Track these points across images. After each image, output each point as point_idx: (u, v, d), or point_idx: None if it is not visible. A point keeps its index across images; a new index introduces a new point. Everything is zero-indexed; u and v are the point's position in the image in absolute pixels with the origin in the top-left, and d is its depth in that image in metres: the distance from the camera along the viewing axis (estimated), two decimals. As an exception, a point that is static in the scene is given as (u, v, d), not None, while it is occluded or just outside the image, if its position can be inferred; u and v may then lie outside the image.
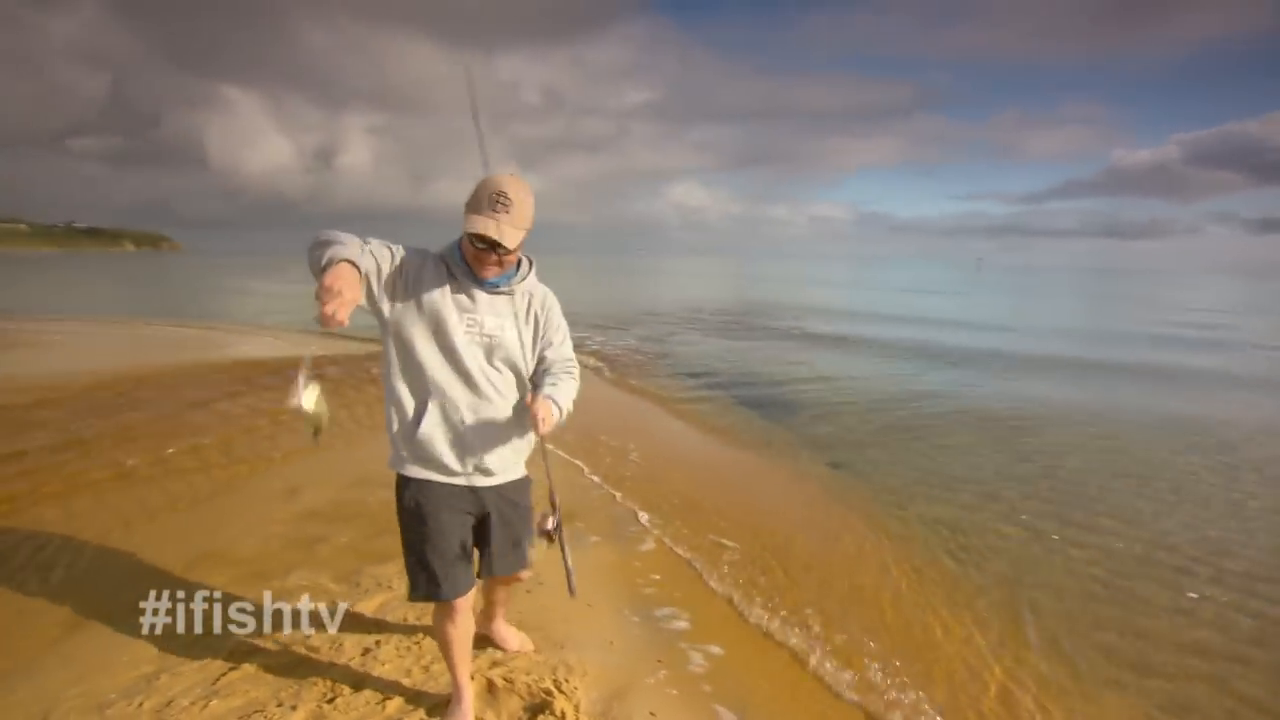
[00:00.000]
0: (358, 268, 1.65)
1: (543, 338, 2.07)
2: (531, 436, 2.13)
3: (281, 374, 8.84)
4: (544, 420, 1.88)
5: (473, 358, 1.94)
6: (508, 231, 1.79)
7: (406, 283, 1.90)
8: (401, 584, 3.26)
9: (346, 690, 2.46)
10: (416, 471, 2.00)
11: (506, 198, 1.79)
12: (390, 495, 4.42)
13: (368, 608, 3.03)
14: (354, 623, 2.93)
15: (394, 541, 3.84)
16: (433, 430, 1.95)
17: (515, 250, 1.86)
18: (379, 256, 1.82)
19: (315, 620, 2.94)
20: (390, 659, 2.67)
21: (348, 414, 6.86)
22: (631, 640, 3.01)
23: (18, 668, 2.61)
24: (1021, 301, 33.82)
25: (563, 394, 2.01)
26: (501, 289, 1.96)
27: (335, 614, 2.97)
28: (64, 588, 3.23)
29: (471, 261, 1.91)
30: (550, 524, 2.17)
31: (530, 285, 2.04)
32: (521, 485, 2.18)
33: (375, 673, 2.58)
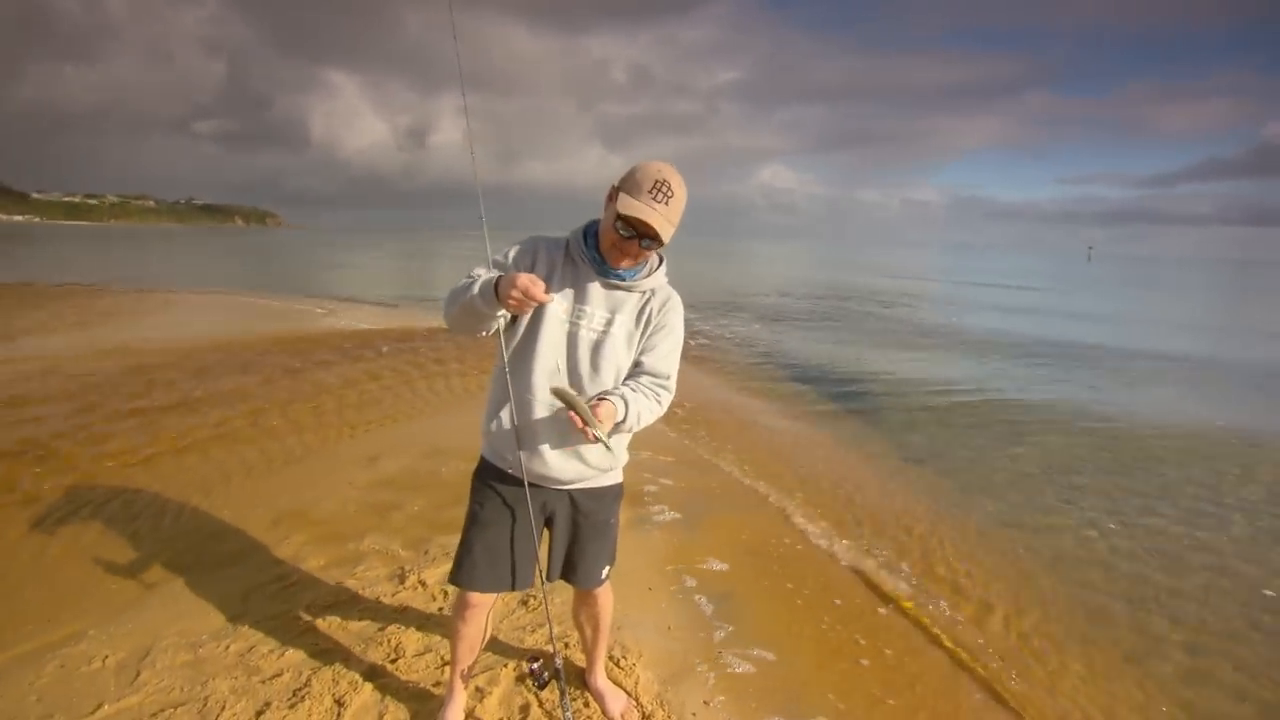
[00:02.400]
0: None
1: (648, 338, 1.84)
2: (622, 446, 1.94)
3: (371, 345, 9.31)
4: (599, 421, 1.64)
5: (568, 352, 1.79)
6: (664, 224, 1.65)
7: (530, 267, 1.79)
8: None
9: (409, 652, 2.57)
10: (490, 456, 1.93)
11: (669, 188, 1.64)
12: (463, 466, 4.71)
13: (432, 576, 3.15)
14: (420, 589, 3.05)
15: (462, 512, 4.05)
16: (511, 422, 1.82)
17: (659, 245, 1.72)
18: (502, 267, 1.80)
19: (386, 583, 3.10)
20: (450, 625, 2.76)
21: (426, 385, 7.14)
22: (690, 627, 2.99)
23: (129, 603, 2.87)
24: (1129, 300, 31.08)
25: (635, 404, 1.75)
26: (622, 284, 1.80)
27: (405, 579, 3.12)
28: (171, 535, 3.53)
29: (609, 249, 1.74)
30: (534, 667, 2.00)
31: (655, 283, 1.84)
32: (601, 495, 1.97)
33: (436, 636, 2.68)
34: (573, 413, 1.64)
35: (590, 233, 1.82)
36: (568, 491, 1.93)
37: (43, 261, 30.26)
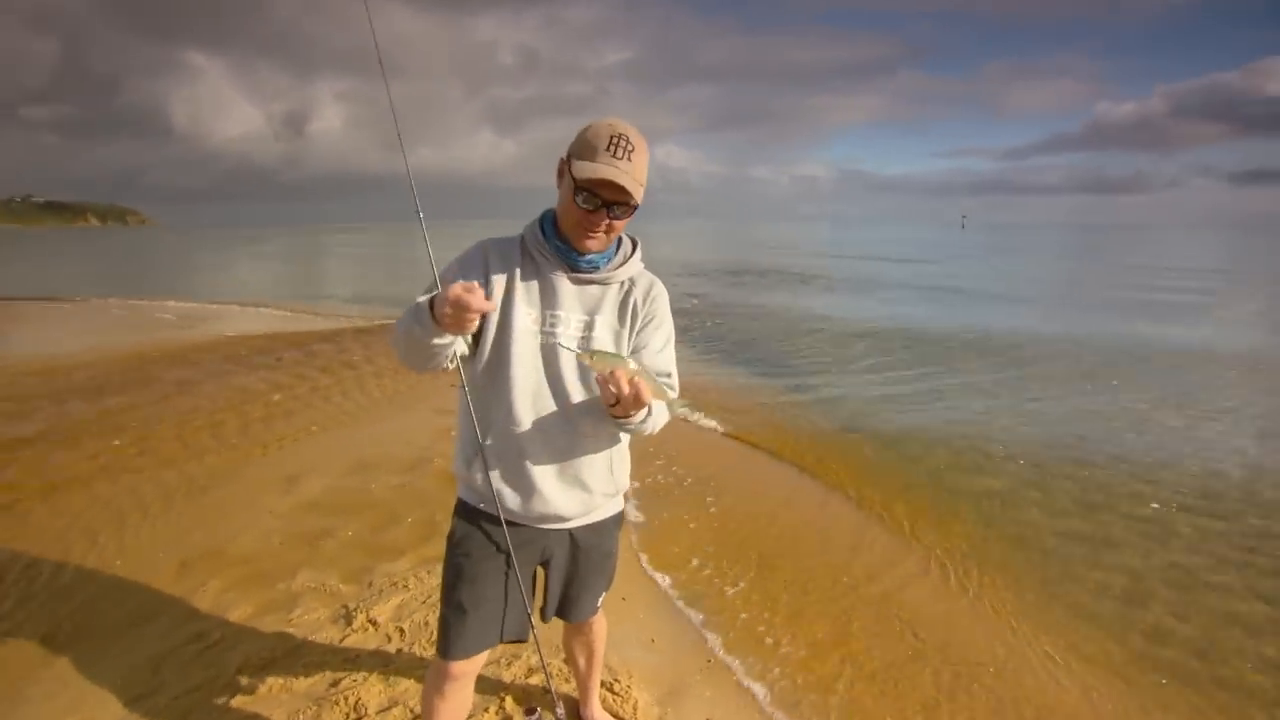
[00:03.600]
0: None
1: (637, 335, 1.59)
2: (625, 466, 1.69)
3: (268, 351, 8.49)
4: (631, 394, 1.35)
5: (547, 367, 1.53)
6: (632, 183, 1.41)
7: (481, 280, 1.51)
8: (417, 583, 3.06)
9: (372, 708, 2.24)
10: (469, 498, 1.63)
11: (628, 141, 1.41)
12: (393, 481, 4.31)
13: (383, 612, 2.79)
14: (371, 629, 2.69)
15: (403, 534, 3.70)
16: (495, 460, 1.56)
17: (632, 211, 1.49)
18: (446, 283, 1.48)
19: (330, 627, 2.72)
20: (414, 669, 2.44)
21: (340, 391, 6.57)
22: (675, 636, 2.81)
23: (4, 694, 2.35)
24: (1018, 269, 33.53)
25: (658, 412, 1.53)
26: (595, 276, 1.54)
27: (351, 619, 2.76)
28: (51, 599, 2.97)
29: (573, 228, 1.49)
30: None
31: (632, 270, 1.59)
32: (603, 527, 1.71)
33: (402, 683, 2.35)
34: (619, 373, 1.34)
35: (547, 221, 1.56)
36: (568, 530, 1.66)
37: None
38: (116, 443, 4.99)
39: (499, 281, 1.52)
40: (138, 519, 3.75)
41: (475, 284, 1.32)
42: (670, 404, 1.52)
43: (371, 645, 2.60)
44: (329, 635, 2.66)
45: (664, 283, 1.65)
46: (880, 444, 5.45)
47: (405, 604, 2.86)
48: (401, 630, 2.68)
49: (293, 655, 2.53)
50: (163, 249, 50.59)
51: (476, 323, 1.36)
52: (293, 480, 4.30)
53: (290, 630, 2.69)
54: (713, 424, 5.92)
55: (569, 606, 1.76)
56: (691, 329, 11.15)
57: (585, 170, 1.40)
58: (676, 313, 1.70)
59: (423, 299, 1.41)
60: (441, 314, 1.31)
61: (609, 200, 1.43)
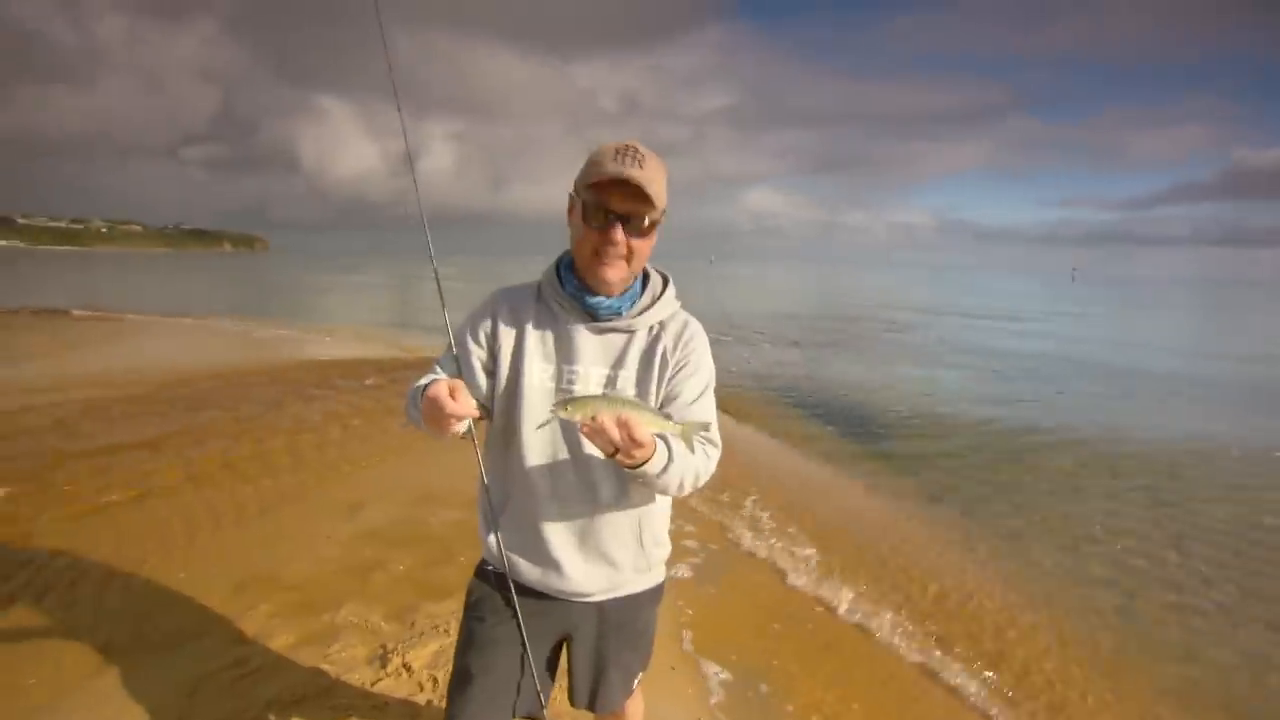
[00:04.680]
0: (443, 380, 1.29)
1: (668, 384, 1.39)
2: (660, 537, 1.51)
3: (355, 374, 8.84)
4: (624, 435, 1.15)
5: (565, 430, 1.38)
6: (648, 181, 1.25)
7: (485, 340, 1.42)
8: (458, 628, 2.94)
9: (391, 765, 2.11)
10: (488, 556, 1.51)
11: (637, 151, 1.27)
12: (454, 516, 4.26)
13: (419, 658, 2.68)
14: (404, 675, 2.59)
15: (454, 573, 3.61)
16: (505, 526, 1.43)
17: (654, 226, 1.32)
18: (457, 352, 1.43)
19: (365, 667, 2.64)
20: (442, 725, 2.30)
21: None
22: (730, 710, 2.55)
23: (47, 704, 2.39)
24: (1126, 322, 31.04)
25: (681, 453, 1.29)
26: (618, 324, 1.38)
27: (387, 661, 2.67)
28: (117, 607, 3.03)
29: (588, 261, 1.33)
30: None
31: (663, 314, 1.41)
32: (638, 601, 1.52)
33: (424, 743, 2.22)
34: (602, 417, 1.15)
35: (564, 265, 1.42)
36: (595, 603, 1.48)
37: (26, 284, 29.56)
38: (201, 455, 5.24)
39: (508, 335, 1.40)
40: (208, 534, 3.86)
41: (459, 385, 1.23)
42: (686, 433, 1.29)
43: (402, 693, 2.49)
44: (362, 676, 2.57)
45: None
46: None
47: (443, 651, 2.75)
48: (435, 680, 2.56)
49: (323, 695, 2.45)
50: (279, 273, 54.91)
51: (463, 426, 1.26)
52: (356, 507, 4.33)
53: (326, 667, 2.62)
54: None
55: (599, 690, 1.56)
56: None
57: (591, 176, 1.27)
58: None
59: (424, 380, 1.34)
60: (425, 410, 1.24)
61: (623, 212, 1.28)
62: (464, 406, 1.22)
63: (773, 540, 4.37)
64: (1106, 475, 6.52)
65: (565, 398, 1.27)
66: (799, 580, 3.89)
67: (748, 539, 4.40)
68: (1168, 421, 9.14)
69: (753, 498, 5.07)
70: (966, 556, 4.51)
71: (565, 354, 1.38)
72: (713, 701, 2.72)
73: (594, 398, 1.23)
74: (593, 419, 1.16)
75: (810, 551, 4.24)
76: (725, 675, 2.89)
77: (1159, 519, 5.35)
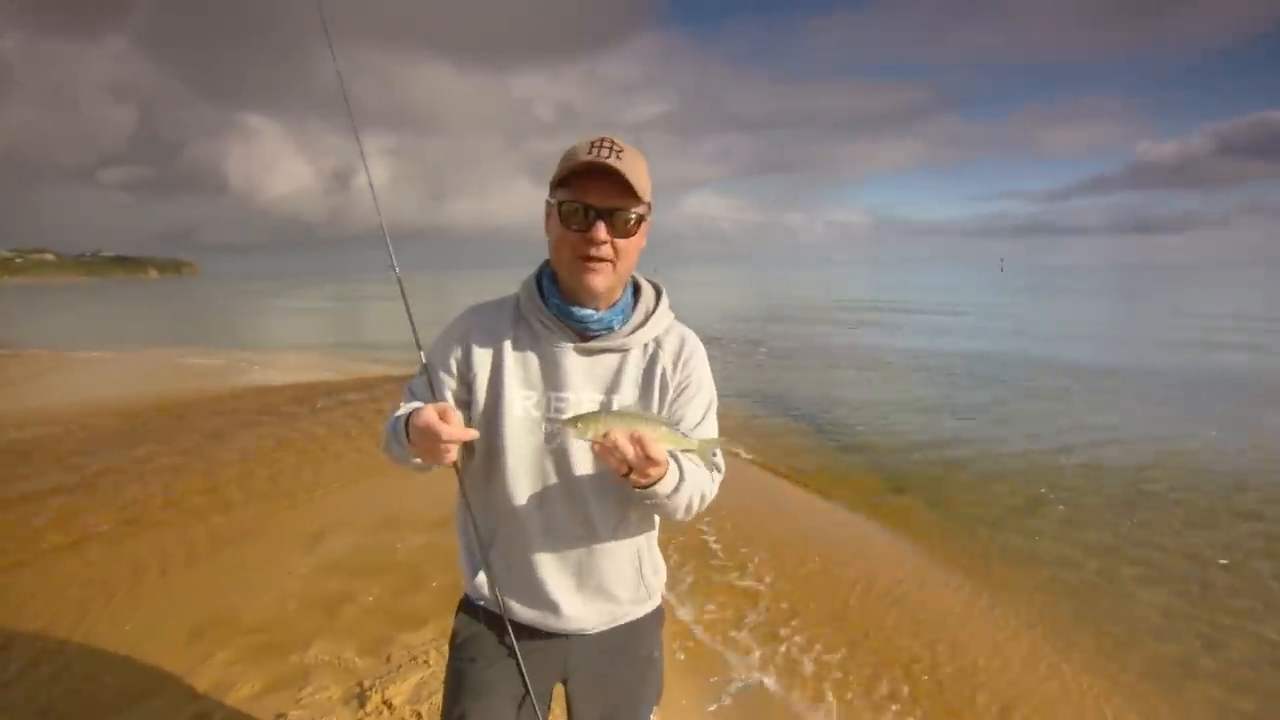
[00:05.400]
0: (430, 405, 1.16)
1: (669, 408, 1.28)
2: (657, 566, 1.41)
3: (304, 400, 8.46)
4: (638, 454, 1.07)
5: (556, 464, 1.26)
6: (629, 169, 1.15)
7: (456, 367, 1.29)
8: (439, 658, 2.79)
9: (379, 814, 1.97)
10: (473, 593, 1.36)
11: (613, 142, 1.16)
12: (419, 541, 4.08)
13: (399, 693, 2.53)
14: (385, 712, 2.44)
15: (426, 601, 3.43)
16: (495, 567, 1.30)
17: (640, 223, 1.21)
18: (433, 375, 1.30)
19: (342, 708, 2.47)
20: (431, 765, 2.16)
21: (371, 442, 6.43)
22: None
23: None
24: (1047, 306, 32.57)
25: (692, 470, 1.21)
26: (610, 343, 1.26)
27: (365, 700, 2.51)
28: (52, 670, 2.76)
29: (569, 267, 1.21)
30: None
31: (658, 329, 1.30)
32: (639, 628, 1.39)
33: (414, 786, 2.08)
34: (615, 434, 1.07)
35: (545, 276, 1.30)
36: (595, 635, 1.36)
37: (-77, 326, 27.44)
38: (144, 493, 4.89)
39: (484, 361, 1.26)
40: (154, 578, 3.59)
41: (448, 407, 1.11)
42: (703, 449, 1.22)
43: (385, 734, 2.34)
44: (340, 718, 2.41)
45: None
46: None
47: (424, 683, 2.60)
48: (419, 715, 2.42)
49: (299, 745, 2.28)
50: (209, 299, 52.58)
51: (455, 453, 1.13)
52: (316, 537, 4.11)
53: (298, 712, 2.45)
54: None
55: None
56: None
57: (564, 170, 1.17)
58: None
59: (403, 410, 1.21)
60: (415, 439, 1.12)
61: (603, 208, 1.16)
62: (461, 430, 1.10)
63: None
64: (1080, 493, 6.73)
65: (574, 415, 1.16)
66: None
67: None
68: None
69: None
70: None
71: (551, 380, 1.26)
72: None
73: (606, 414, 1.14)
74: (605, 436, 1.08)
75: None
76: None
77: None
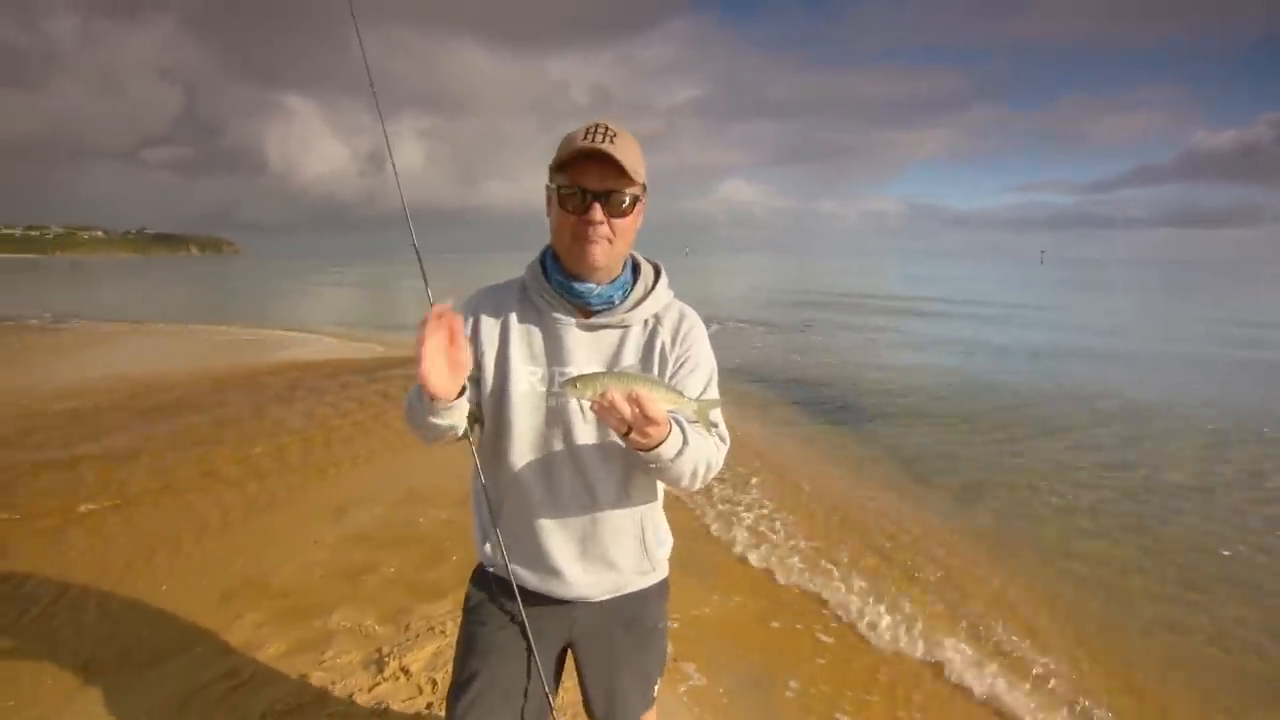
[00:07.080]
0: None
1: (669, 379, 1.33)
2: (662, 536, 1.46)
3: (336, 376, 8.68)
4: (636, 413, 1.11)
5: (561, 435, 1.32)
6: (622, 153, 1.21)
7: (470, 340, 1.33)
8: (455, 628, 2.88)
9: (393, 771, 2.07)
10: (485, 560, 1.44)
11: (606, 127, 1.23)
12: (442, 516, 4.20)
13: (416, 660, 2.63)
14: (402, 678, 2.54)
15: (446, 573, 3.54)
16: (504, 536, 1.38)
17: (635, 204, 1.27)
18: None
19: (361, 672, 2.58)
20: (443, 729, 2.26)
21: (399, 417, 6.58)
22: None
23: (30, 725, 2.30)
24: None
25: (696, 438, 1.25)
26: (611, 319, 1.32)
27: (384, 665, 2.61)
28: (97, 621, 2.95)
29: (568, 247, 1.28)
30: None
31: (657, 305, 1.36)
32: (644, 597, 1.45)
33: (426, 747, 2.18)
34: (612, 392, 1.10)
35: (548, 256, 1.37)
36: (599, 603, 1.42)
37: (-19, 297, 28.68)
38: (182, 461, 5.10)
39: (491, 338, 1.33)
40: (191, 542, 3.76)
41: (448, 305, 1.16)
42: (701, 409, 1.25)
43: (401, 697, 2.44)
44: (358, 682, 2.52)
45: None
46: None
47: (440, 652, 2.70)
48: (434, 682, 2.52)
49: (318, 703, 2.39)
50: (249, 277, 53.90)
51: (459, 378, 1.16)
52: (343, 509, 4.25)
53: (320, 673, 2.57)
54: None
55: (616, 699, 1.47)
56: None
57: (561, 156, 1.23)
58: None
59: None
60: (424, 384, 1.14)
61: (598, 190, 1.23)
62: (446, 309, 1.15)
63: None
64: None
65: (572, 376, 1.21)
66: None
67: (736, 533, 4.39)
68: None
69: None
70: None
71: (555, 355, 1.32)
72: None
73: (603, 374, 1.18)
74: (602, 395, 1.12)
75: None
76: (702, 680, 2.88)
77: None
